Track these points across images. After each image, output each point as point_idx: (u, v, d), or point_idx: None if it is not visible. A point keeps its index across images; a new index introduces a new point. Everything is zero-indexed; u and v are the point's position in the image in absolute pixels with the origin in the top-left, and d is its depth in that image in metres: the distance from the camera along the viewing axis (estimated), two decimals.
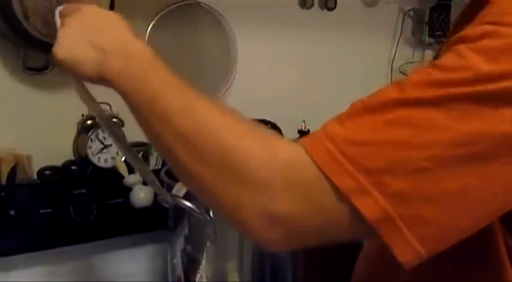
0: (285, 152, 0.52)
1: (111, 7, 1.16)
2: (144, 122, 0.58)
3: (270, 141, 0.54)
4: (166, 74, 0.59)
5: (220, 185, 0.53)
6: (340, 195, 0.49)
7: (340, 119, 0.53)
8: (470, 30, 0.52)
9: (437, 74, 0.50)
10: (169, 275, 1.18)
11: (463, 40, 0.51)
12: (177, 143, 0.54)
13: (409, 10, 1.76)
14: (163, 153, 0.60)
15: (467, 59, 0.49)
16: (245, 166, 0.51)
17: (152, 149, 1.27)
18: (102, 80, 0.62)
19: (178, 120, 0.55)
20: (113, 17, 0.67)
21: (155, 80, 0.58)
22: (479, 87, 0.48)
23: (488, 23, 0.51)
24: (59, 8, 0.73)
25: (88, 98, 0.73)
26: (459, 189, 0.49)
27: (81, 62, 0.63)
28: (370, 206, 0.49)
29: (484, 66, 0.48)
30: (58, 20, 0.71)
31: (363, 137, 0.50)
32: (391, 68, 1.74)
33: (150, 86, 0.58)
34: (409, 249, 0.50)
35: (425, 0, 1.76)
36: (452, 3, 1.74)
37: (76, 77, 0.67)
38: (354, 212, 0.49)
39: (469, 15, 0.59)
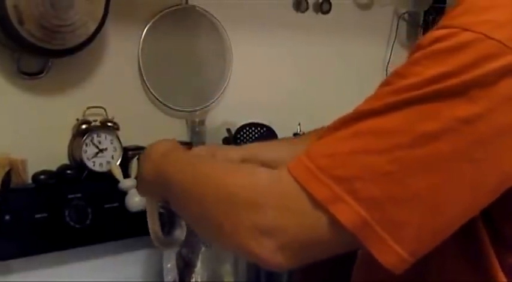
0: (268, 174, 0.57)
1: (106, 10, 1.16)
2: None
3: (254, 170, 0.60)
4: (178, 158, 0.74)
5: (219, 214, 0.58)
6: (319, 204, 0.51)
7: (318, 138, 0.56)
8: (424, 38, 0.55)
9: (394, 83, 0.53)
10: (165, 279, 1.18)
11: (419, 47, 0.54)
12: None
13: (404, 13, 1.77)
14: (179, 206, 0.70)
15: (418, 64, 0.52)
16: (237, 193, 0.56)
17: None
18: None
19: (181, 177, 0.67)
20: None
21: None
22: (427, 89, 0.50)
23: (439, 27, 0.54)
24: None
25: (153, 219, 0.89)
26: (427, 189, 0.50)
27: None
28: (346, 213, 0.51)
29: (432, 69, 0.51)
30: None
31: (334, 150, 0.53)
32: (386, 71, 1.74)
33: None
34: (390, 253, 0.50)
35: (419, 3, 1.77)
36: (446, 6, 1.75)
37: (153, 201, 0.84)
38: (333, 220, 0.51)
39: None
